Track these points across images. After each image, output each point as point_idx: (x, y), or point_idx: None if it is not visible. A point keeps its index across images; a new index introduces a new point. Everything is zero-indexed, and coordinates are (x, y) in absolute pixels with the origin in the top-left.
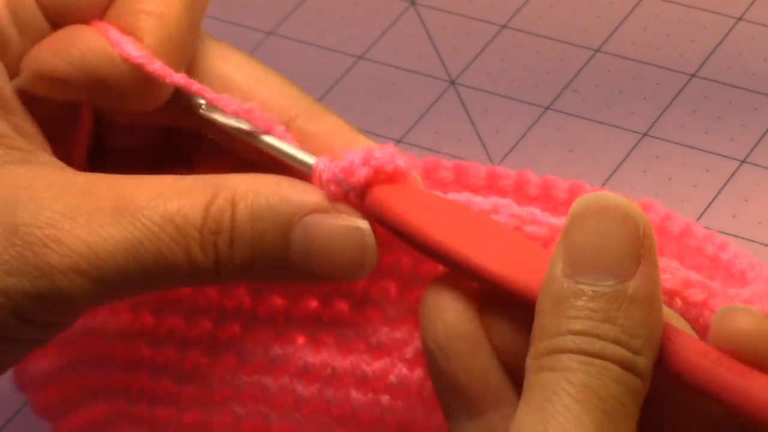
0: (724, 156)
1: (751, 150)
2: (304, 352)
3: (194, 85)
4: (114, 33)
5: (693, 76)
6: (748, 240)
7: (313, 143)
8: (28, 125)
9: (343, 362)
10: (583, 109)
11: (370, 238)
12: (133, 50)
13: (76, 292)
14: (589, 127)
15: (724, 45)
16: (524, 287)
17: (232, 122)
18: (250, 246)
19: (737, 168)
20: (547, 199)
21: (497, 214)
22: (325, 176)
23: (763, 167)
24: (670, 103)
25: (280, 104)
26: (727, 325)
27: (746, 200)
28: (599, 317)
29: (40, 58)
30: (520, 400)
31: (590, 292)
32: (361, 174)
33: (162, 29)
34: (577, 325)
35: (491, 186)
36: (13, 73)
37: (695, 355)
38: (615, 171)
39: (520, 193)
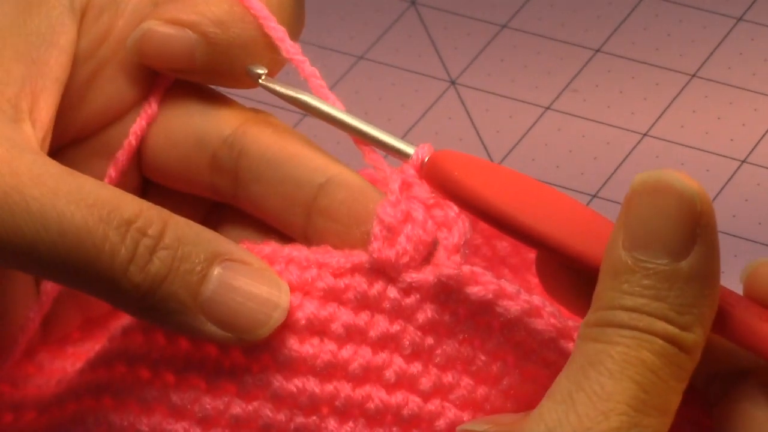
0: (724, 156)
1: (751, 150)
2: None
3: (302, 62)
4: None
5: (693, 76)
6: (748, 240)
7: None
8: (46, 97)
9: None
10: (583, 109)
11: (285, 300)
12: (258, 5)
13: None
14: (589, 127)
15: (724, 45)
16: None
17: (290, 93)
18: (170, 262)
19: (737, 168)
20: None
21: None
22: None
23: (763, 167)
24: (671, 103)
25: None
26: (761, 278)
27: (746, 200)
28: (650, 294)
29: (164, 9)
30: (566, 364)
31: (644, 269)
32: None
33: None
34: (629, 302)
35: None
36: (92, 54)
37: (757, 320)
38: (615, 171)
39: None
